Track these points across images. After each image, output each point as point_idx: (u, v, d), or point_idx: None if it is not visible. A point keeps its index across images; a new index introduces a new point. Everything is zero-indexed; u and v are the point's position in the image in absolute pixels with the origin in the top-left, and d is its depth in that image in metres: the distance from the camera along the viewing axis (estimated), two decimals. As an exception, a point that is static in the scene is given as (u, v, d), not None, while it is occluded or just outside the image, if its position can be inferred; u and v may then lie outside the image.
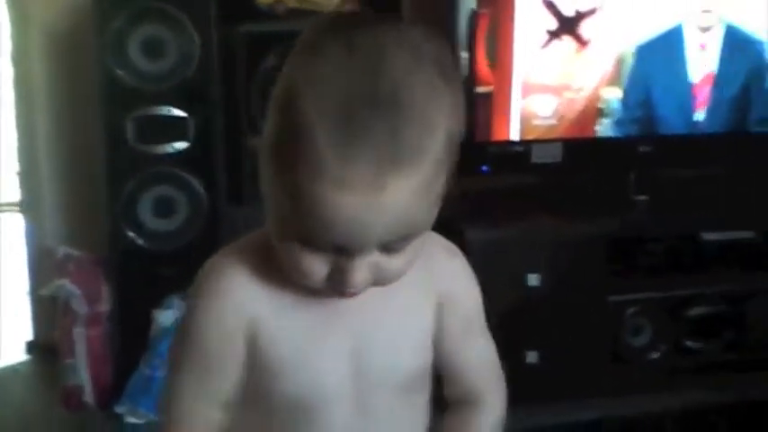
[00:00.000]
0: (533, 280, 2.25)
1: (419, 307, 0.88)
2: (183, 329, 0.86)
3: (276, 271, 0.81)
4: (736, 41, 2.53)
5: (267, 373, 0.83)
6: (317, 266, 0.76)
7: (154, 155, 2.17)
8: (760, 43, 2.54)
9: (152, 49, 2.12)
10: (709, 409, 2.31)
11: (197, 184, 2.20)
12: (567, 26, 2.40)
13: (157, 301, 2.13)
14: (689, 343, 2.42)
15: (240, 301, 0.83)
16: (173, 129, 2.16)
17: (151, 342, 2.12)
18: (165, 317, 2.10)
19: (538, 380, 2.24)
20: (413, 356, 0.89)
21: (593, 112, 2.47)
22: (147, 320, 2.12)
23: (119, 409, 2.12)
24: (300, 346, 0.83)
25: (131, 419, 2.10)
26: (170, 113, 2.15)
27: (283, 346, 0.83)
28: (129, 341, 2.19)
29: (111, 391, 2.21)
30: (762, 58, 2.55)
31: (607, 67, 2.46)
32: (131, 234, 2.19)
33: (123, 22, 2.08)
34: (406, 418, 0.90)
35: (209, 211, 2.20)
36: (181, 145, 2.18)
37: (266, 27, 2.19)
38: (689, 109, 2.56)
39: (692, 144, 2.60)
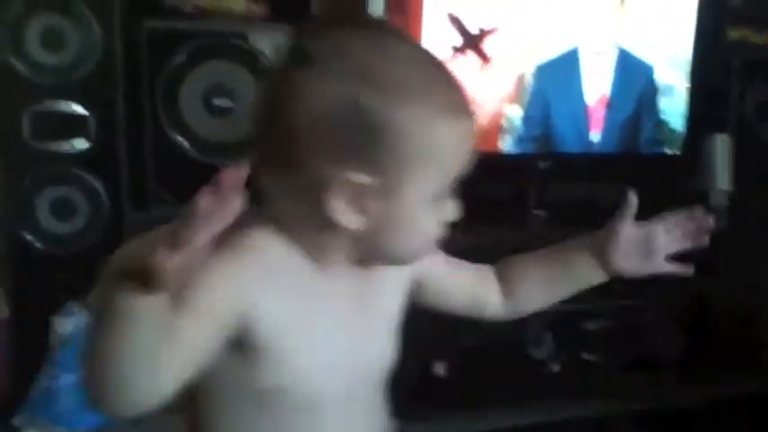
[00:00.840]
0: (441, 290, 2.26)
1: (395, 293, 0.94)
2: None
3: (280, 264, 0.84)
4: (627, 66, 2.66)
5: (269, 365, 0.82)
6: (434, 220, 0.85)
7: (52, 153, 2.05)
8: (649, 68, 2.68)
9: (51, 40, 2.02)
10: (607, 418, 2.38)
11: (98, 185, 2.09)
12: (471, 43, 2.46)
13: (56, 307, 2.01)
14: (586, 355, 2.48)
15: (247, 283, 0.82)
16: (72, 126, 2.05)
17: (50, 351, 1.99)
18: (65, 324, 1.97)
19: (445, 390, 2.24)
20: (392, 345, 0.94)
21: (497, 128, 2.54)
22: (46, 328, 1.99)
23: (17, 422, 1.99)
24: (303, 339, 0.84)
25: (31, 432, 1.96)
26: (70, 109, 2.05)
27: (287, 338, 0.82)
28: (26, 350, 2.05)
29: (9, 403, 2.05)
30: (651, 83, 2.70)
31: (509, 84, 2.53)
32: (28, 236, 2.05)
33: (21, 11, 1.97)
34: (380, 407, 0.94)
35: (111, 215, 2.09)
36: (81, 143, 2.07)
37: (173, 24, 2.12)
38: (584, 129, 2.67)
39: (588, 163, 2.71)
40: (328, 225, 0.80)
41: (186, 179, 2.18)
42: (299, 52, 0.79)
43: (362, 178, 0.78)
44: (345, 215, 0.80)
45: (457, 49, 2.45)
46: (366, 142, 0.77)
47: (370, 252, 0.85)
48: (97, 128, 2.07)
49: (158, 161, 2.12)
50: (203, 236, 0.66)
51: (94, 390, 0.72)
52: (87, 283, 2.08)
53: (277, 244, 0.83)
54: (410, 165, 0.79)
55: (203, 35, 2.12)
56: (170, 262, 0.65)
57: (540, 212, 2.64)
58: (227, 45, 2.15)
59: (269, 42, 2.22)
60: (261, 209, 0.84)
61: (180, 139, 2.12)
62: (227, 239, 0.79)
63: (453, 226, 0.87)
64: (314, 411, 0.86)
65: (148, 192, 2.11)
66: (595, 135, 2.68)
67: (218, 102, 2.15)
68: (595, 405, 2.40)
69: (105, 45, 2.04)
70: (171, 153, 2.11)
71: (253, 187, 0.80)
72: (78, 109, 2.05)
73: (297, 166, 0.79)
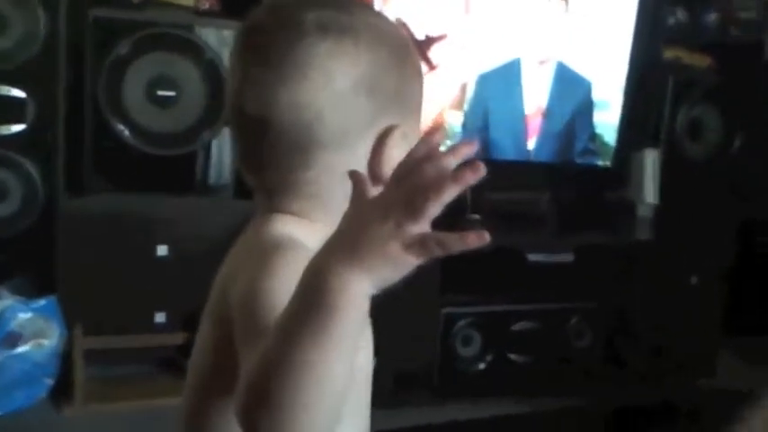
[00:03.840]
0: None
1: None
2: (266, 291, 0.71)
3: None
4: (565, 79, 2.74)
5: None
6: None
7: (-14, 135, 2.04)
8: (587, 83, 2.77)
9: (-6, 23, 2.00)
10: (529, 416, 2.46)
11: (33, 170, 2.07)
12: (418, 48, 2.51)
13: (-16, 290, 1.99)
14: (512, 355, 2.57)
15: None
16: (10, 110, 2.04)
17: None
18: (-9, 307, 1.96)
19: (373, 386, 2.28)
20: None
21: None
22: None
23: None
24: None
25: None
26: (8, 93, 2.03)
27: None
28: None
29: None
30: (588, 97, 2.79)
31: (452, 91, 2.59)
32: (-44, 218, 2.03)
33: (-38, -7, 1.95)
34: None
35: (45, 200, 2.08)
36: (18, 127, 2.06)
37: (119, 14, 2.12)
38: (522, 138, 2.74)
39: (524, 170, 2.79)
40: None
41: (125, 168, 2.20)
42: (317, 27, 0.77)
43: (403, 125, 0.79)
44: (391, 168, 0.76)
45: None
46: (401, 89, 0.80)
47: None
48: (36, 112, 2.06)
49: (97, 149, 2.12)
50: (441, 205, 0.57)
51: (275, 413, 0.59)
52: (18, 268, 2.09)
53: (307, 233, 0.78)
54: (419, 107, 0.83)
55: (150, 25, 2.12)
56: (411, 237, 0.57)
57: (476, 217, 2.71)
58: (173, 36, 2.15)
59: (216, 36, 2.23)
60: (270, 206, 0.81)
61: (120, 127, 2.12)
62: (261, 240, 0.76)
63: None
64: (367, 388, 0.84)
65: (85, 179, 2.11)
66: (531, 143, 2.76)
67: (161, 92, 2.15)
68: (517, 404, 2.49)
69: (49, 30, 2.03)
70: (110, 141, 2.11)
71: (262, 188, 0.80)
72: (17, 93, 2.04)
73: (351, 134, 0.78)
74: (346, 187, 0.77)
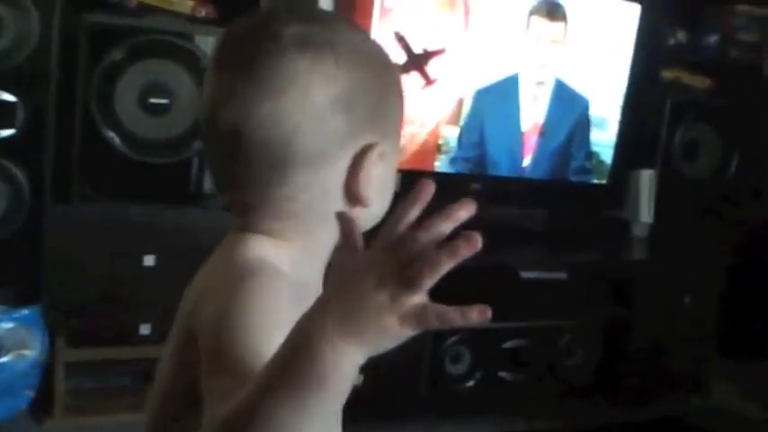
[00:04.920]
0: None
1: None
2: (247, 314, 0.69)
3: (297, 277, 0.77)
4: (563, 97, 2.72)
5: None
6: None
7: (-26, 139, 2.00)
8: (584, 100, 2.75)
9: (-14, 25, 1.96)
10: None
11: (20, 175, 2.04)
12: (416, 62, 2.48)
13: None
14: (502, 373, 2.54)
15: (288, 306, 0.72)
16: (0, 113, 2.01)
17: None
18: (-29, 315, 1.93)
19: (359, 402, 2.25)
20: None
21: (433, 147, 2.57)
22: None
23: None
24: None
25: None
26: (-1, 97, 2.00)
27: None
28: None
29: None
30: (585, 115, 2.77)
31: (448, 106, 2.56)
32: (-61, 223, 1.99)
33: (-45, -7, 1.91)
34: None
35: (32, 207, 2.05)
36: (6, 132, 2.03)
37: (114, 20, 2.09)
38: (518, 154, 2.72)
39: (518, 187, 2.76)
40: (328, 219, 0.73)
41: (114, 176, 2.16)
42: (300, 41, 0.76)
43: (382, 144, 0.78)
44: (369, 188, 0.77)
45: (401, 68, 2.46)
46: (381, 108, 0.78)
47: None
48: (26, 117, 2.03)
49: (86, 156, 2.08)
50: (436, 278, 0.55)
51: None
52: (0, 275, 2.05)
53: (282, 255, 0.77)
54: (399, 127, 0.82)
55: (145, 32, 2.09)
56: (407, 310, 0.56)
57: (467, 233, 2.68)
58: (168, 43, 2.12)
59: (212, 43, 2.20)
60: (244, 224, 0.78)
61: (111, 134, 2.08)
62: (235, 262, 0.74)
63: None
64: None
65: (73, 186, 2.07)
66: (527, 160, 2.73)
67: (154, 99, 2.12)
68: (507, 422, 2.46)
69: (42, 34, 2.00)
70: (100, 148, 2.07)
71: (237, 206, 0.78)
72: (7, 97, 2.01)
73: (328, 151, 0.76)
74: (324, 205, 0.76)
